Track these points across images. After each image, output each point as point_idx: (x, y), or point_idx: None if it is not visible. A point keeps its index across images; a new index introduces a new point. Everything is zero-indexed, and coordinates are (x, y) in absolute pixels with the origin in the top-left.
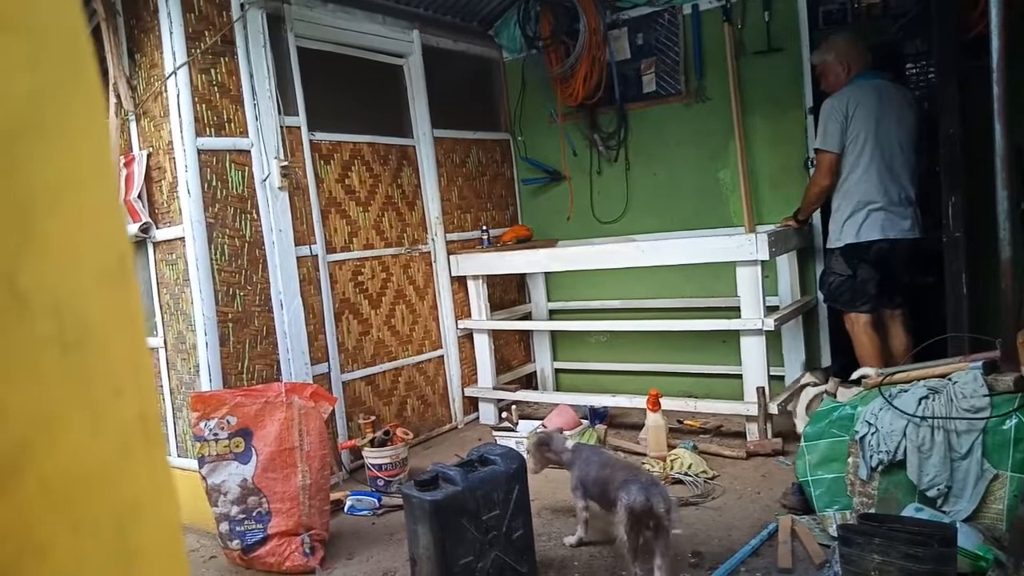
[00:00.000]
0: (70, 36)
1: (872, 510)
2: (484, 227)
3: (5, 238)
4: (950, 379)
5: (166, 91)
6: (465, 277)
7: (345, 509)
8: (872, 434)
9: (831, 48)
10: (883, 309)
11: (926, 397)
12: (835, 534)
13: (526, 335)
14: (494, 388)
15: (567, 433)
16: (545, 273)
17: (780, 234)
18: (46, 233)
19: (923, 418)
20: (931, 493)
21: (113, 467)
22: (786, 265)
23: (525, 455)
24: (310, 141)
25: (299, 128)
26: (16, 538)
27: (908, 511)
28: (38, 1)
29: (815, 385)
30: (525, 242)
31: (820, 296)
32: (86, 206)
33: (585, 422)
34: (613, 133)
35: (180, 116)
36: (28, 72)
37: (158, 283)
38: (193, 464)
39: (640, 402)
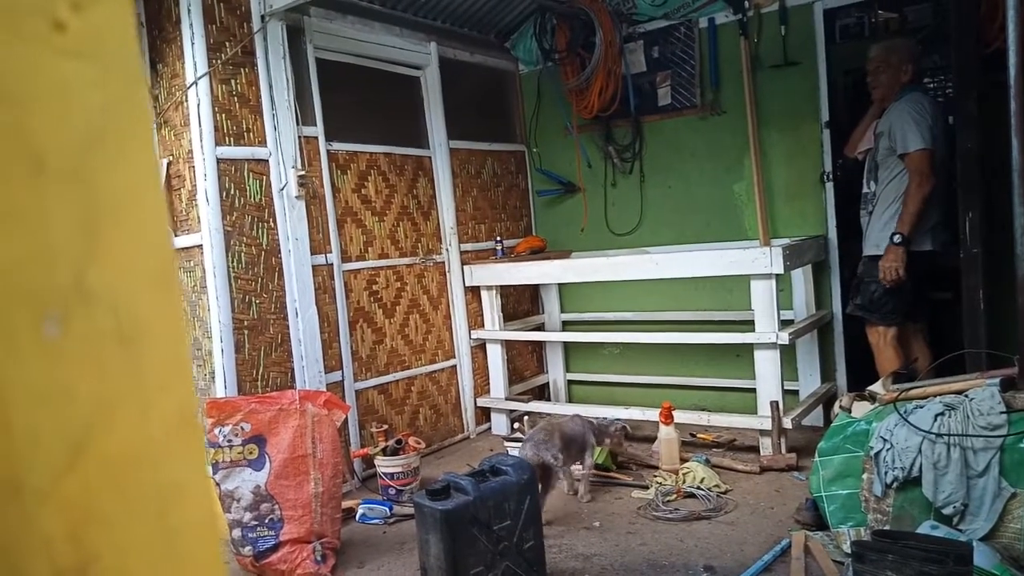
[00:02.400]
0: (130, 60)
1: (887, 527)
2: (498, 238)
3: (76, 238)
4: (967, 395)
5: (187, 101)
6: (479, 287)
7: (357, 517)
8: (887, 450)
9: (899, 49)
10: (908, 323)
11: (942, 413)
12: (849, 551)
13: (539, 346)
14: (506, 399)
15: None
16: (559, 284)
17: (795, 248)
18: (109, 237)
19: (939, 435)
20: (947, 511)
21: (159, 452)
22: (801, 279)
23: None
24: (327, 151)
25: (317, 138)
26: (81, 508)
27: (923, 528)
28: (105, 31)
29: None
30: (539, 253)
31: (840, 308)
32: (141, 214)
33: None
34: (628, 145)
35: (200, 125)
36: (98, 90)
37: None
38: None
39: (653, 415)
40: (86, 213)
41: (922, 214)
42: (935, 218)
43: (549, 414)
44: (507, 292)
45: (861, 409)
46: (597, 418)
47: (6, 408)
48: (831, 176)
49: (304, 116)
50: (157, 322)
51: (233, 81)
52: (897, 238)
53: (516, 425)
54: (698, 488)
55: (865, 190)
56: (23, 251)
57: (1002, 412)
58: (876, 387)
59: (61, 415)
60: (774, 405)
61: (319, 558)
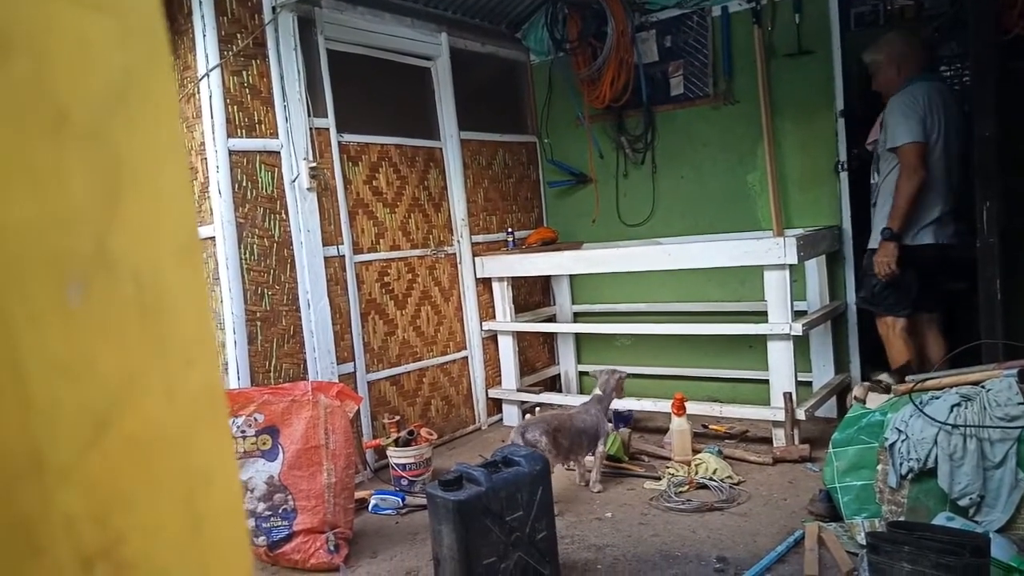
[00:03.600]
0: (152, 18)
1: (901, 518)
2: (509, 229)
3: (97, 201)
4: (983, 386)
5: (198, 93)
6: (490, 279)
7: (369, 508)
8: (902, 441)
9: (884, 47)
10: (920, 314)
11: (958, 404)
12: (863, 542)
13: (550, 337)
14: (518, 390)
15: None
16: (570, 276)
17: (809, 238)
18: (131, 202)
19: (955, 425)
20: (963, 502)
21: (186, 435)
22: (815, 269)
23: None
24: (339, 143)
25: (328, 130)
26: (105, 487)
27: (939, 520)
28: None
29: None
30: (550, 244)
31: (852, 299)
32: (164, 180)
33: (610, 425)
34: (640, 136)
35: (212, 117)
36: (120, 49)
37: None
38: None
39: (665, 406)
40: (108, 175)
41: (914, 207)
42: (938, 211)
43: (560, 405)
44: (518, 283)
45: (875, 400)
46: (601, 372)
47: (27, 379)
48: (846, 166)
49: (315, 108)
50: (181, 293)
51: (245, 73)
52: (886, 233)
53: (527, 416)
54: (711, 479)
55: (872, 182)
56: (44, 211)
57: (1019, 403)
58: (883, 376)
59: (84, 388)
60: (787, 396)
61: (332, 548)
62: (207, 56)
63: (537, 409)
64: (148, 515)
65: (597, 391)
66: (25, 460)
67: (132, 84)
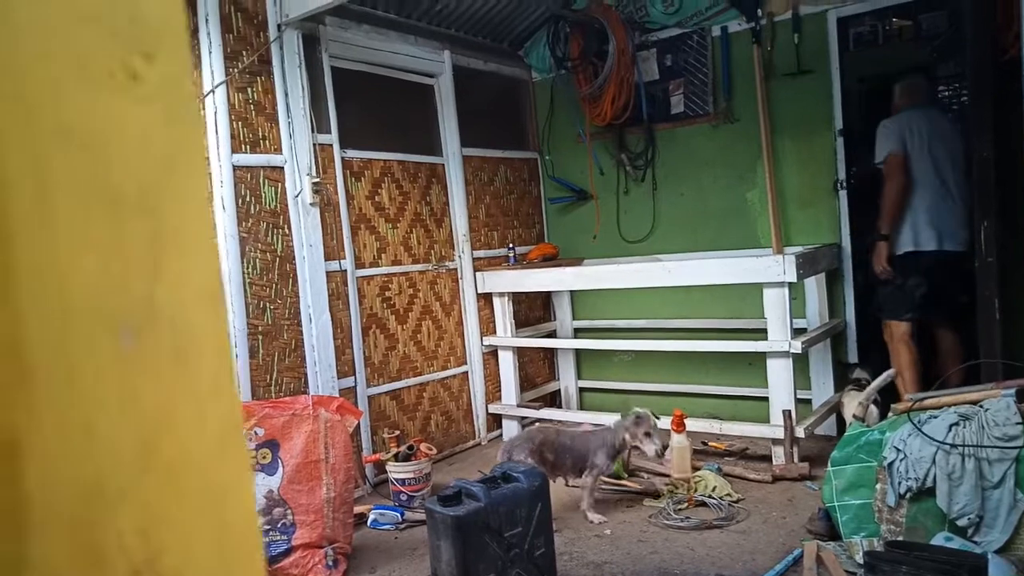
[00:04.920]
0: (191, 104)
1: (900, 537)
2: (511, 245)
3: (146, 262)
4: (982, 406)
5: (204, 109)
6: (491, 294)
7: (368, 523)
8: (901, 460)
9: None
10: (930, 319)
11: (957, 424)
12: (862, 561)
13: (551, 353)
14: (518, 405)
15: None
16: (570, 291)
17: (808, 256)
18: (171, 259)
19: (953, 445)
20: (961, 522)
21: (212, 456)
22: (814, 287)
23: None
24: (342, 158)
25: (331, 146)
26: (150, 508)
27: (937, 540)
28: (172, 78)
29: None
30: (551, 260)
31: (854, 316)
32: (197, 239)
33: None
34: (641, 153)
35: (217, 133)
36: (164, 130)
37: None
38: None
39: (665, 423)
40: (155, 240)
41: (901, 211)
42: (934, 218)
43: (560, 421)
44: (519, 299)
45: (853, 400)
46: (631, 414)
47: (90, 413)
48: (845, 184)
49: (319, 124)
50: (208, 337)
51: (249, 89)
52: (876, 235)
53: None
54: (710, 497)
55: None
56: (106, 273)
57: (1018, 423)
58: (859, 373)
59: (134, 420)
60: (787, 414)
61: (331, 563)
62: (213, 72)
63: (536, 425)
64: (183, 529)
65: (610, 424)
66: (90, 485)
67: (175, 161)
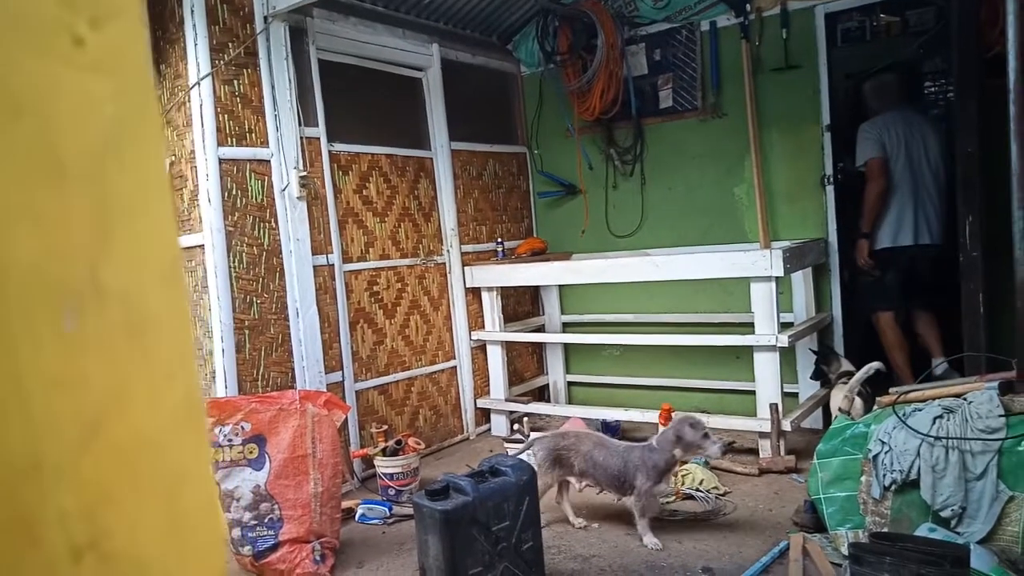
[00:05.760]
0: (143, 73)
1: (885, 529)
2: (499, 239)
3: (91, 237)
4: (965, 399)
5: (189, 101)
6: (479, 288)
7: (356, 517)
8: (885, 453)
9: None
10: (912, 308)
11: (941, 416)
12: (847, 553)
13: (539, 347)
14: (506, 400)
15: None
16: (559, 286)
17: (795, 250)
18: (121, 236)
19: (937, 437)
20: (945, 513)
21: (166, 439)
22: (801, 281)
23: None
24: (329, 152)
25: (319, 139)
26: (94, 488)
27: (921, 531)
28: (121, 46)
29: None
30: (540, 255)
31: (839, 310)
32: (151, 215)
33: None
34: (629, 148)
35: (203, 126)
36: (112, 103)
37: None
38: None
39: (653, 417)
40: (100, 214)
41: (881, 211)
42: (912, 215)
43: (548, 415)
44: (508, 293)
45: (840, 393)
46: (689, 421)
47: (26, 394)
48: (831, 179)
49: (306, 117)
50: (164, 316)
51: (236, 82)
52: (859, 233)
53: (516, 426)
54: (697, 490)
55: None
56: (45, 248)
57: (1000, 415)
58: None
59: (76, 401)
60: (773, 407)
61: (318, 558)
62: (198, 65)
63: (525, 420)
64: (131, 512)
65: (652, 440)
66: (26, 462)
67: (123, 132)
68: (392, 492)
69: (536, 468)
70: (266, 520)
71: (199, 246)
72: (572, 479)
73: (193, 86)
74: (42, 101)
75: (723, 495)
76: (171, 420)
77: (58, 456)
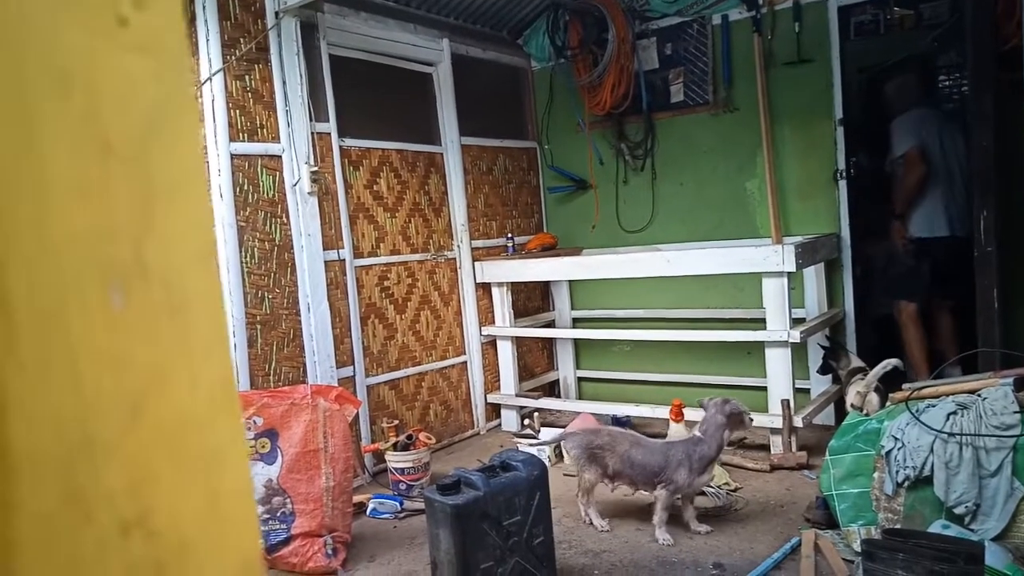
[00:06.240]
0: (183, 56)
1: (897, 526)
2: (509, 234)
3: (135, 215)
4: (979, 395)
5: (201, 96)
6: (490, 284)
7: (367, 512)
8: (898, 449)
9: (887, 91)
10: (934, 300)
11: (954, 413)
12: (859, 549)
13: (549, 343)
14: (517, 395)
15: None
16: (569, 281)
17: (807, 245)
18: (162, 215)
19: (951, 434)
20: (959, 510)
21: (204, 418)
22: (813, 277)
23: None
24: (340, 147)
25: (330, 134)
26: (139, 466)
27: (935, 528)
28: (162, 28)
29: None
30: (550, 250)
31: (852, 306)
32: (190, 195)
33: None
34: (640, 142)
35: (215, 121)
36: (155, 84)
37: None
38: None
39: (663, 412)
40: (144, 193)
41: (917, 198)
42: (946, 205)
43: (559, 411)
44: (518, 289)
45: (854, 389)
46: (709, 404)
47: (79, 371)
48: (844, 174)
49: (317, 112)
50: (201, 295)
51: (247, 77)
52: (893, 216)
53: (526, 421)
54: (708, 486)
55: None
56: (93, 223)
57: (1015, 412)
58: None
59: (122, 379)
60: (785, 403)
61: (330, 552)
62: (210, 60)
63: (535, 415)
64: (172, 489)
65: (696, 432)
66: (79, 438)
67: (165, 113)
68: (403, 487)
69: (574, 464)
70: (278, 514)
71: None
72: (604, 480)
73: (205, 81)
74: (90, 79)
75: (734, 491)
76: (209, 400)
77: (107, 433)
